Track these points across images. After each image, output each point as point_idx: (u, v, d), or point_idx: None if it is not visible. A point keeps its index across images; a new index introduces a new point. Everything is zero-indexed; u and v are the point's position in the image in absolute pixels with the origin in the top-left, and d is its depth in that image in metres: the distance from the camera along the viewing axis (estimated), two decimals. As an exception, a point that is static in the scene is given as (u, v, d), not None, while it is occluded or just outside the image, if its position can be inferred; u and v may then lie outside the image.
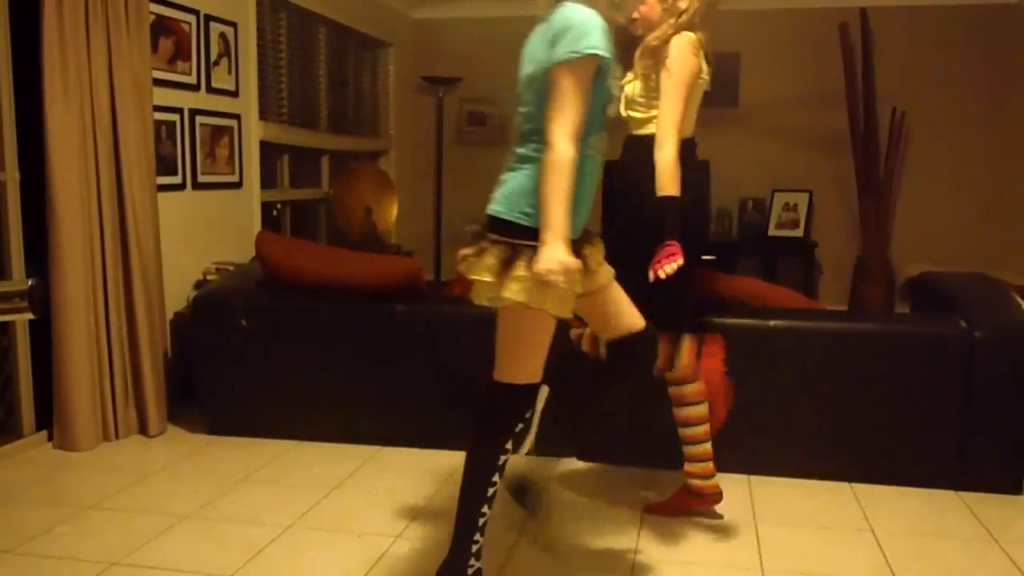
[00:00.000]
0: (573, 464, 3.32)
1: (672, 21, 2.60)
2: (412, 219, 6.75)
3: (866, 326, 3.23)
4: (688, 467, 2.79)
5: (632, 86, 2.68)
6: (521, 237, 2.00)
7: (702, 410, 2.74)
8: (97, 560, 2.48)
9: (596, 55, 1.95)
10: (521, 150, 2.09)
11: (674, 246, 2.41)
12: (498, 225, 2.05)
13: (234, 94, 4.53)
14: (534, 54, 2.06)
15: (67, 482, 3.13)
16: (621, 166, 2.76)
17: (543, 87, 2.00)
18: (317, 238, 5.88)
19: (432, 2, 6.66)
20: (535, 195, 1.98)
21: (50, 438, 3.46)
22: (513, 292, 1.97)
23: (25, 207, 3.37)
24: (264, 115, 4.87)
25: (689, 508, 2.84)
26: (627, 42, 2.74)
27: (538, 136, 2.02)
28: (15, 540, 2.60)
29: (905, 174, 6.23)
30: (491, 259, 2.01)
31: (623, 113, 2.72)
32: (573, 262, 1.93)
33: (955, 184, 6.21)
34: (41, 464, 3.29)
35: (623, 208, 2.76)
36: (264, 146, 4.88)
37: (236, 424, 3.61)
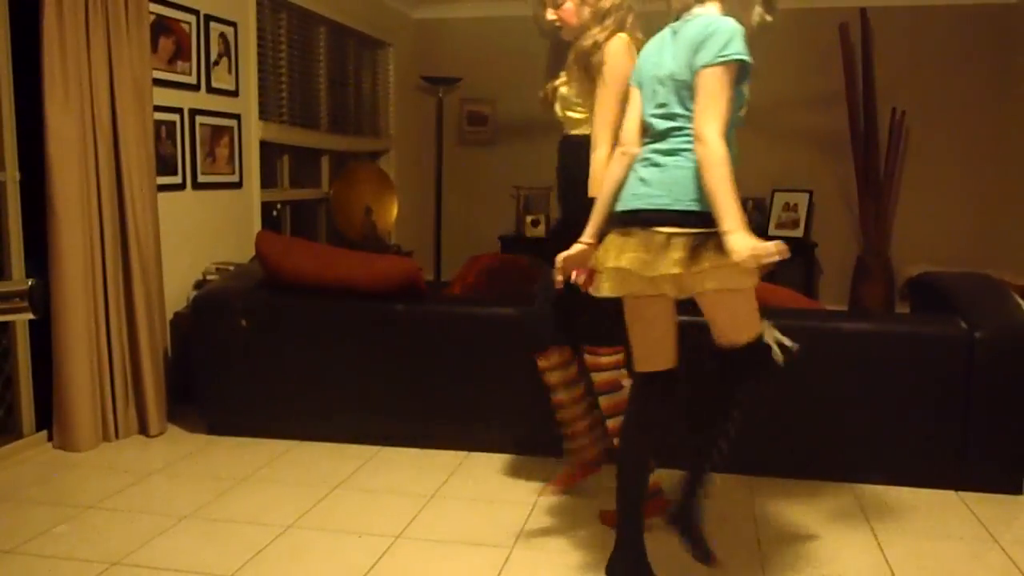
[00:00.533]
0: (573, 464, 3.32)
1: (600, 27, 2.66)
2: (412, 219, 6.75)
3: (866, 326, 3.23)
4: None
5: (568, 87, 2.73)
6: (700, 224, 2.07)
7: (623, 395, 2.74)
8: (97, 560, 2.48)
9: (742, 60, 2.07)
10: (664, 145, 2.19)
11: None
12: (668, 218, 2.10)
13: (234, 94, 4.53)
14: (672, 56, 2.18)
15: (67, 482, 3.13)
16: (561, 165, 2.82)
17: (685, 87, 2.14)
18: (317, 238, 5.88)
19: (432, 2, 6.66)
20: (698, 180, 2.09)
21: (50, 438, 3.46)
22: (719, 281, 2.06)
23: (25, 207, 3.36)
24: (264, 115, 4.87)
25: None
26: (556, 43, 2.79)
27: (679, 132, 2.16)
28: (15, 540, 2.60)
29: (905, 174, 6.23)
30: (677, 252, 2.06)
31: (559, 113, 2.78)
32: (772, 243, 1.96)
33: (955, 184, 6.21)
34: (41, 464, 3.29)
35: (561, 208, 2.83)
36: (264, 146, 4.88)
37: (236, 424, 3.61)
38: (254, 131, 4.73)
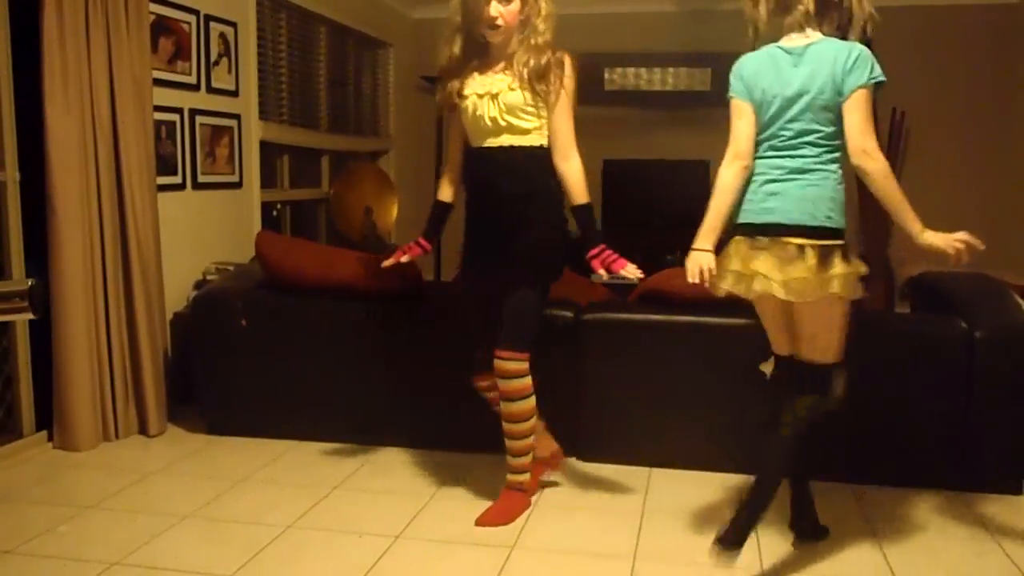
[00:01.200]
0: (573, 464, 3.32)
1: (541, 40, 2.66)
2: (412, 219, 6.75)
3: (866, 326, 3.22)
4: (512, 462, 2.86)
5: (516, 94, 2.67)
6: (830, 238, 2.30)
7: (531, 406, 2.79)
8: (97, 560, 2.48)
9: (883, 81, 2.35)
10: (794, 163, 2.36)
11: (608, 249, 2.57)
12: (801, 231, 2.31)
13: (234, 94, 4.53)
14: (802, 76, 2.34)
15: (67, 482, 3.13)
16: (522, 176, 2.71)
17: (826, 107, 2.32)
18: (317, 238, 5.88)
19: (432, 2, 6.66)
20: (832, 201, 2.33)
21: (50, 438, 3.46)
22: (842, 287, 2.28)
23: (25, 207, 3.36)
24: (264, 115, 4.87)
25: (523, 508, 2.87)
26: (471, 42, 2.77)
27: (812, 148, 2.35)
28: (15, 540, 2.60)
29: (905, 174, 6.22)
30: (810, 260, 2.28)
31: (497, 119, 2.69)
32: (961, 232, 2.30)
33: (955, 184, 6.21)
34: (41, 464, 3.29)
35: (515, 215, 2.72)
36: (264, 146, 4.88)
37: (236, 424, 3.61)
38: (254, 131, 4.73)
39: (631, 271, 2.57)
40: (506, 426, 2.80)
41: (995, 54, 6.04)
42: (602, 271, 2.58)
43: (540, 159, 2.71)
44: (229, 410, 3.62)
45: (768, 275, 2.31)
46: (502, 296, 2.73)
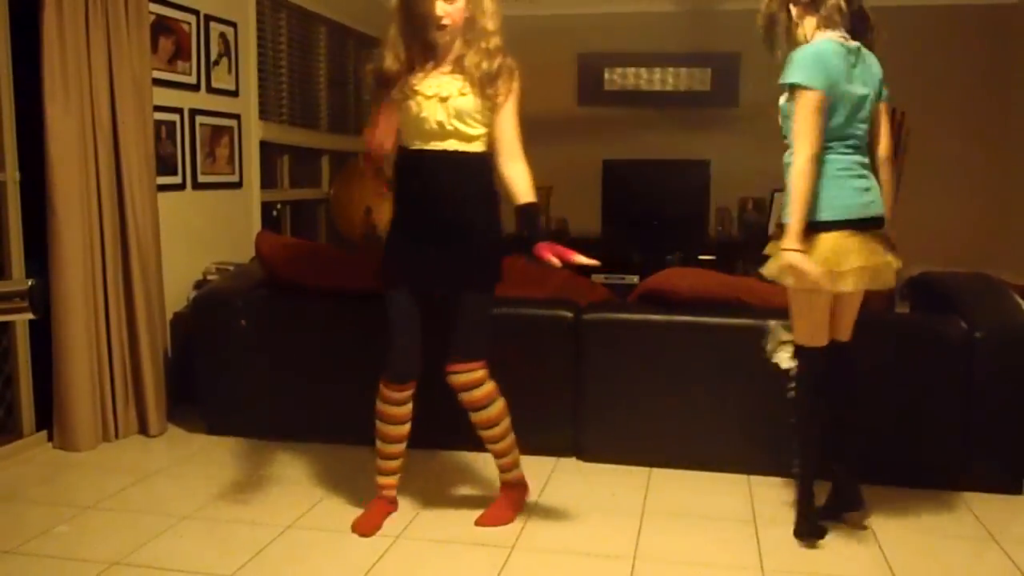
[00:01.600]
0: (573, 464, 3.32)
1: (492, 45, 2.62)
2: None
3: (866, 326, 3.22)
4: (500, 463, 2.85)
5: (467, 100, 2.62)
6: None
7: (501, 406, 2.76)
8: (97, 560, 2.48)
9: None
10: (866, 159, 2.58)
11: (558, 244, 2.61)
12: (882, 223, 2.61)
13: (234, 94, 4.53)
14: (864, 80, 2.52)
15: (67, 482, 3.13)
16: (461, 177, 2.68)
17: (871, 110, 2.54)
18: (317, 238, 5.87)
19: (432, 2, 6.65)
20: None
21: (50, 438, 3.46)
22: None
23: (25, 207, 3.36)
24: (264, 115, 4.87)
25: (522, 502, 2.89)
26: (421, 47, 2.71)
27: (866, 146, 2.58)
28: (15, 540, 2.60)
29: (905, 174, 6.22)
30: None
31: (445, 123, 2.62)
32: None
33: (955, 184, 6.21)
34: (41, 464, 3.29)
35: (462, 220, 2.70)
36: (264, 146, 4.88)
37: (236, 424, 3.61)
38: (254, 131, 4.73)
39: (584, 259, 2.53)
40: (482, 433, 2.78)
41: (995, 54, 6.04)
42: (554, 259, 2.56)
43: (485, 165, 2.69)
44: (229, 410, 3.62)
45: (890, 266, 2.57)
46: (451, 303, 2.72)
